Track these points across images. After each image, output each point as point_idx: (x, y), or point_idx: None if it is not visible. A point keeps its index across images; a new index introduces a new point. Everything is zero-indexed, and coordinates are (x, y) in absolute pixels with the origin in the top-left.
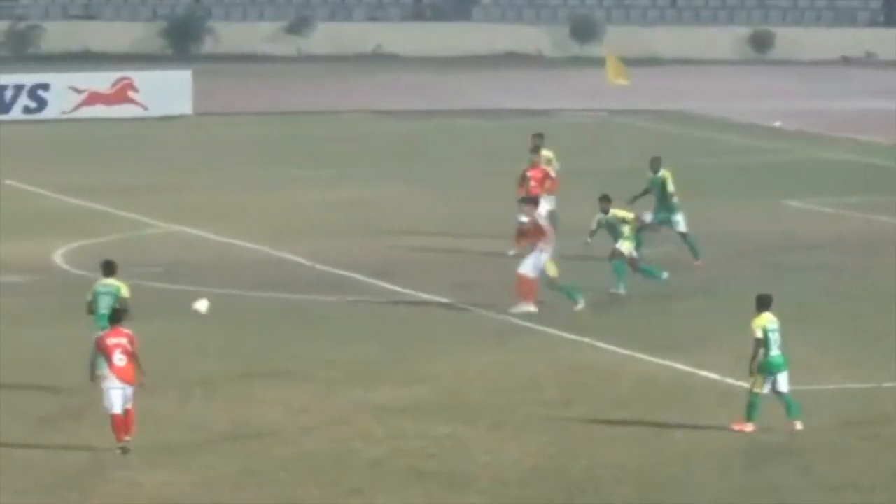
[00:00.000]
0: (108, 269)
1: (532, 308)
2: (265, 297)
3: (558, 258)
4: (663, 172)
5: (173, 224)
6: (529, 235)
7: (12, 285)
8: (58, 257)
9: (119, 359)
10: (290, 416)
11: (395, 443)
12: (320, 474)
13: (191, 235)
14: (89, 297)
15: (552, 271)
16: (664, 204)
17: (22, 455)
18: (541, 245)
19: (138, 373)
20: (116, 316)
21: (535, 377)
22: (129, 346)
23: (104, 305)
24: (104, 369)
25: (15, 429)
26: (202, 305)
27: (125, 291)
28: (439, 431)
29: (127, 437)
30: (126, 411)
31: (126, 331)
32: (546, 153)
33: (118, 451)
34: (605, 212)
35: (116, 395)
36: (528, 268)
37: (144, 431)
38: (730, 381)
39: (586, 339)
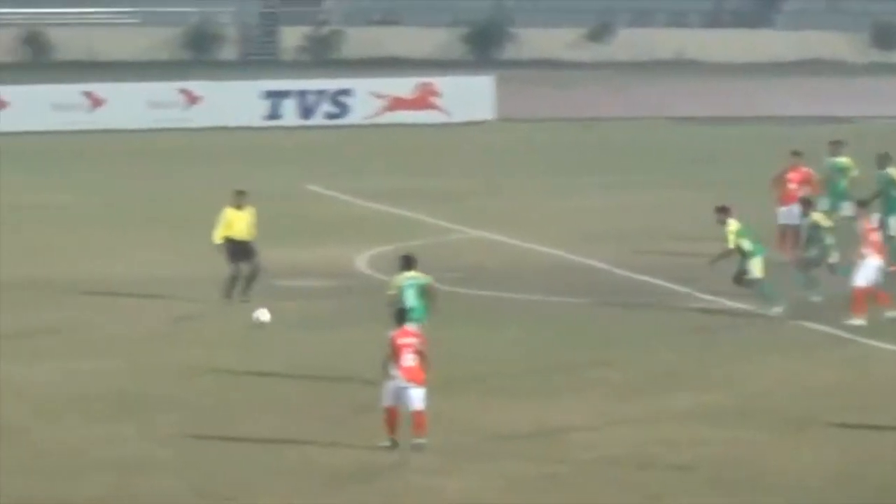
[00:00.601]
0: (408, 262)
1: (859, 321)
2: (563, 302)
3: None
4: (890, 170)
5: (475, 229)
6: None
7: (315, 289)
8: (360, 262)
9: (409, 359)
10: (589, 420)
11: (696, 449)
12: (622, 478)
13: (492, 241)
14: (392, 291)
15: (758, 271)
16: (887, 203)
17: (316, 452)
18: (863, 252)
19: (425, 373)
20: (403, 316)
21: (839, 385)
22: (419, 346)
23: (410, 297)
24: (393, 368)
25: (312, 427)
26: (263, 315)
27: (429, 280)
28: (741, 437)
29: (420, 440)
30: (415, 413)
31: (415, 331)
32: (844, 160)
33: (386, 445)
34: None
35: (393, 391)
36: (858, 279)
37: (443, 433)
38: None
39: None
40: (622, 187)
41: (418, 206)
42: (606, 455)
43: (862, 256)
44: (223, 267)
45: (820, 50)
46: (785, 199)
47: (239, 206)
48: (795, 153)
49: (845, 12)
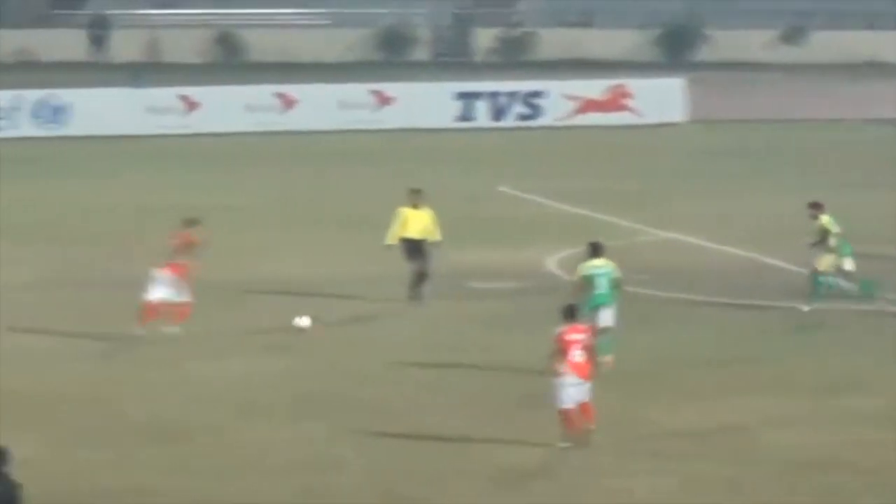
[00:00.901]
0: (596, 250)
1: None
2: (754, 304)
3: None
4: None
5: (665, 231)
6: None
7: (505, 291)
8: (551, 263)
9: (578, 354)
10: (773, 422)
11: (875, 451)
12: (810, 481)
13: (682, 242)
14: (579, 279)
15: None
16: None
17: (500, 451)
18: None
19: (593, 368)
20: (573, 312)
21: None
22: (588, 342)
23: (601, 286)
24: (562, 364)
25: (496, 424)
26: (303, 321)
27: (617, 273)
28: None
29: (588, 427)
30: (582, 405)
31: (585, 326)
32: None
33: (565, 446)
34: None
35: (572, 391)
36: None
37: (627, 433)
38: None
39: None
40: (816, 189)
41: (609, 207)
42: (792, 459)
43: None
44: (402, 266)
45: None
46: None
47: (415, 206)
48: None
49: None
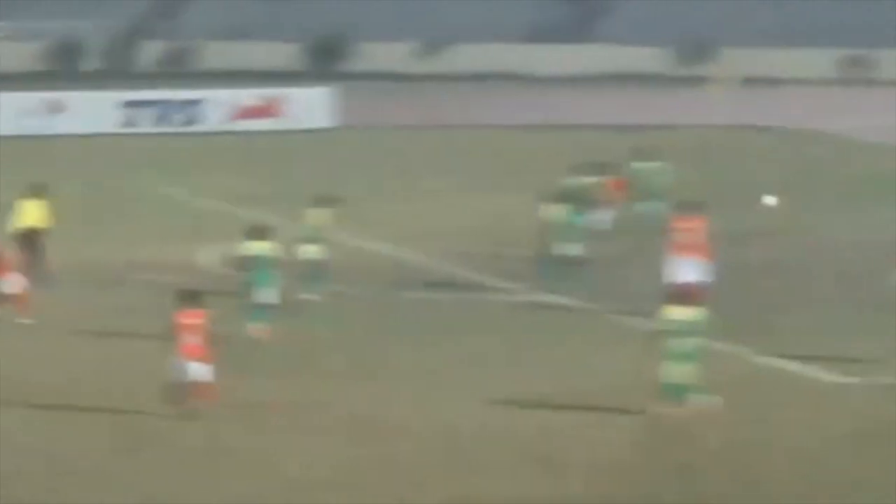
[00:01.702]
0: (259, 232)
1: None
2: (390, 295)
3: None
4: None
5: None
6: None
7: (157, 283)
8: (205, 257)
9: (191, 338)
10: (402, 404)
11: (507, 429)
12: (443, 457)
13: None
14: (240, 259)
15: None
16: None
17: (102, 417)
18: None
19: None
20: (191, 297)
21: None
22: (204, 326)
23: (263, 265)
24: (178, 345)
25: (102, 392)
26: (771, 200)
27: (278, 253)
28: (551, 420)
29: (206, 402)
30: (197, 383)
31: (201, 311)
32: (652, 165)
33: (180, 416)
34: None
35: (187, 369)
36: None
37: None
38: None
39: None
40: (454, 191)
41: (264, 206)
42: (418, 437)
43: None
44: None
45: (634, 63)
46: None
47: (35, 197)
48: (607, 163)
49: (658, 29)
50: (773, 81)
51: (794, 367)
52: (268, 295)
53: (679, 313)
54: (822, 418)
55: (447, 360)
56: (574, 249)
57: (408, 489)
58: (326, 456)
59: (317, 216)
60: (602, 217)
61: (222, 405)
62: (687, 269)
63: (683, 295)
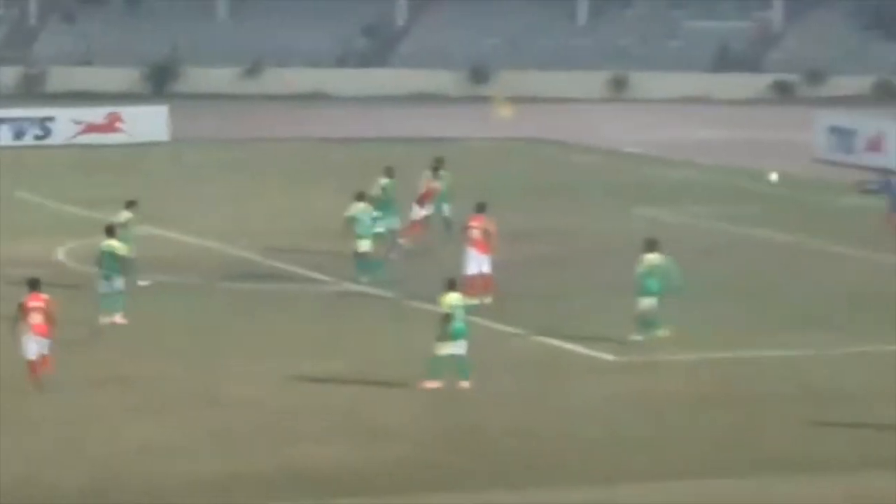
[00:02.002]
0: (110, 231)
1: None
2: (215, 286)
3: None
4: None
5: (154, 228)
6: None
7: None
8: (60, 254)
9: (36, 317)
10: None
11: (324, 399)
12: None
13: (165, 237)
14: (98, 254)
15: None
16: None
17: None
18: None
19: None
20: (33, 283)
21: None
22: (47, 309)
23: (109, 260)
24: (25, 325)
25: None
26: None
27: (123, 251)
28: (360, 394)
29: (46, 375)
30: (41, 357)
31: (44, 296)
32: (443, 172)
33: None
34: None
35: (33, 346)
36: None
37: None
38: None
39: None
40: (275, 194)
41: (108, 209)
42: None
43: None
44: None
45: (428, 85)
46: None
47: None
48: (434, 168)
49: (448, 54)
50: (551, 100)
51: (569, 346)
52: (117, 285)
53: (453, 299)
54: (588, 387)
55: (263, 341)
56: (367, 245)
57: (241, 458)
58: (164, 428)
59: (125, 217)
60: (393, 218)
61: (70, 379)
62: (477, 262)
63: (456, 284)
